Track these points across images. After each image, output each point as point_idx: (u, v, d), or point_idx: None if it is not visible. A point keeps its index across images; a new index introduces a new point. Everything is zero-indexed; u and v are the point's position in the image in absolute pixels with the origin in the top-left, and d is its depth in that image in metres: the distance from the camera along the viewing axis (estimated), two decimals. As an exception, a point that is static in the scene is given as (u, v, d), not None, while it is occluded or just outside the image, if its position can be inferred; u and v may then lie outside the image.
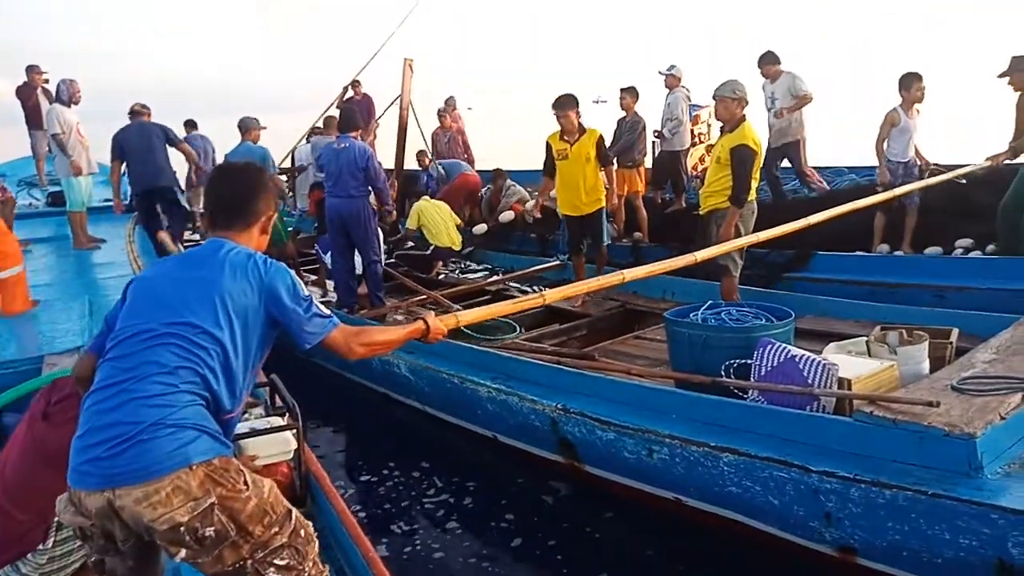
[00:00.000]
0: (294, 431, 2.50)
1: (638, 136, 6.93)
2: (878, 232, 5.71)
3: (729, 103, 4.45)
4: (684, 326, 3.58)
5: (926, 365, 3.20)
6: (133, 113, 6.72)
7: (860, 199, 4.88)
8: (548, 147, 5.46)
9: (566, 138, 5.31)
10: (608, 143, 6.06)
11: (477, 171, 9.02)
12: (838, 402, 2.88)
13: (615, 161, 6.36)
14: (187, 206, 7.61)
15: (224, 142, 7.94)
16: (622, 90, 6.98)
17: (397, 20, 9.06)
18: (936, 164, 5.78)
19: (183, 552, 1.55)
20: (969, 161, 5.82)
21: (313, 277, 6.99)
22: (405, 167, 8.90)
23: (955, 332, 3.49)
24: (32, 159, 9.84)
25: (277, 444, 2.46)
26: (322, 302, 1.94)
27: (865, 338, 3.44)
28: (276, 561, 1.61)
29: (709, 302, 3.79)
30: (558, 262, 6.48)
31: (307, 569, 1.66)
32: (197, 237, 8.19)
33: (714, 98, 4.60)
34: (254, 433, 2.45)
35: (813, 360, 2.97)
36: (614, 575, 3.03)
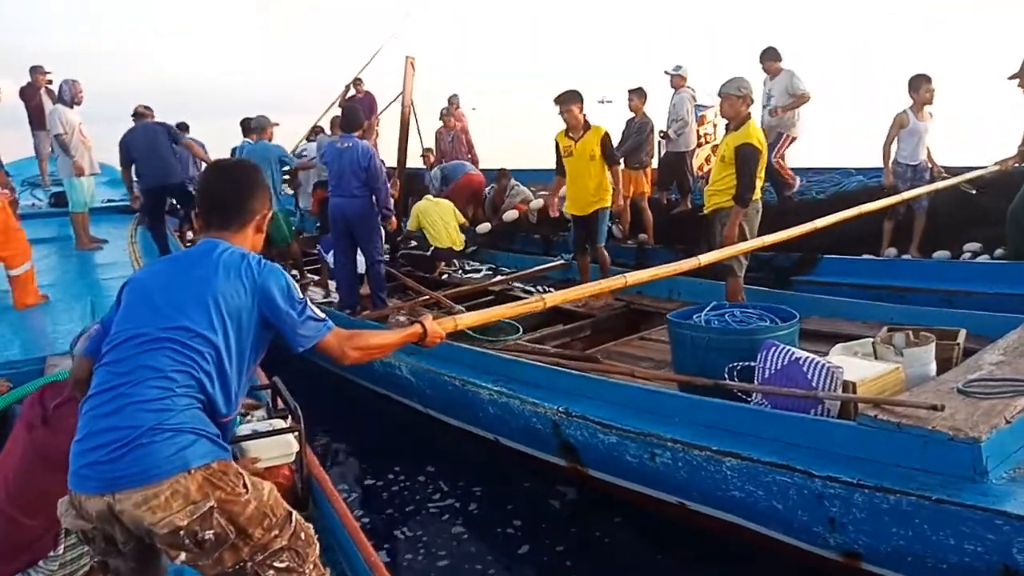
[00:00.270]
0: (296, 433, 2.49)
1: (646, 138, 6.91)
2: (887, 235, 5.69)
3: (734, 101, 4.41)
4: (687, 328, 3.56)
5: (933, 367, 3.18)
6: (137, 115, 6.78)
7: (868, 201, 4.87)
8: (556, 145, 5.44)
9: (571, 135, 5.29)
10: (616, 144, 6.04)
11: (481, 170, 9.03)
12: (843, 405, 2.86)
13: (623, 162, 6.34)
14: None
15: (225, 144, 7.95)
16: (630, 91, 6.94)
17: (396, 19, 9.06)
18: (945, 168, 5.74)
19: (183, 555, 1.55)
20: (969, 161, 5.80)
21: (316, 277, 7.00)
22: (409, 166, 8.91)
23: (963, 333, 3.47)
24: (35, 159, 9.89)
25: (279, 447, 2.45)
26: (324, 302, 1.92)
27: (871, 339, 3.42)
28: (276, 563, 1.61)
29: (713, 303, 3.77)
30: (562, 261, 6.48)
31: (307, 572, 1.66)
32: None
33: (719, 95, 4.56)
34: (256, 435, 2.44)
35: (817, 363, 2.94)
36: (617, 579, 3.02)
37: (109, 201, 9.12)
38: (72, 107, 6.79)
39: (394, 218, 6.12)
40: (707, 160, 7.73)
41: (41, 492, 1.84)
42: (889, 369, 3.01)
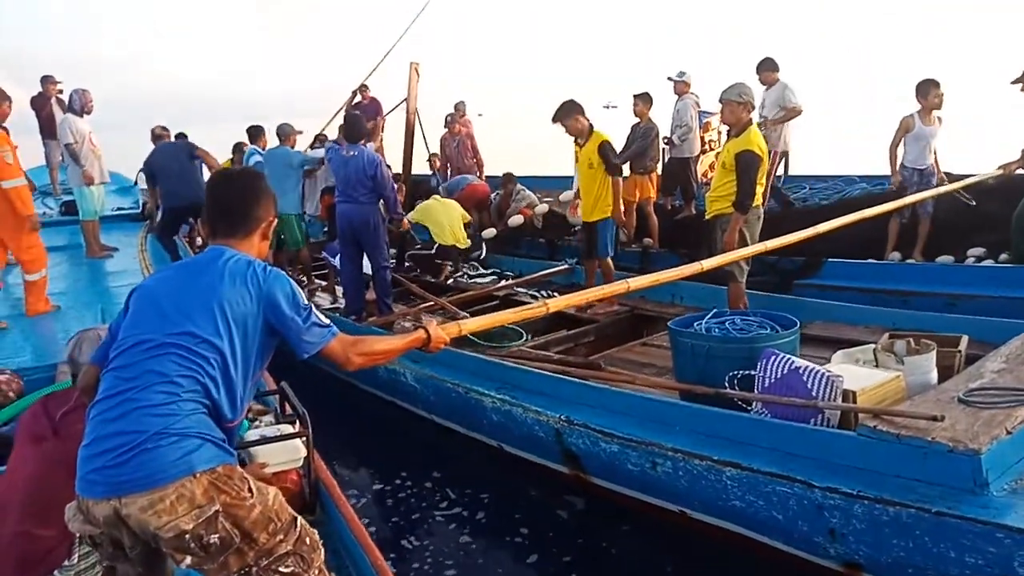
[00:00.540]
0: (304, 439, 2.52)
1: (650, 143, 6.90)
2: (891, 238, 5.67)
3: (735, 107, 4.40)
4: (687, 336, 3.56)
5: (934, 375, 3.17)
6: (156, 137, 6.96)
7: (871, 207, 4.86)
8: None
9: (579, 141, 5.34)
10: (620, 148, 6.02)
11: (486, 176, 9.06)
12: (843, 415, 2.85)
13: (628, 167, 6.32)
14: None
15: (225, 150, 8.01)
16: (635, 96, 6.92)
17: (397, 21, 9.08)
18: (946, 174, 5.73)
19: (188, 559, 1.57)
20: (970, 165, 5.76)
21: (323, 283, 7.05)
22: (415, 172, 8.96)
23: (964, 340, 3.46)
24: (46, 168, 10.00)
25: (287, 452, 2.49)
26: (331, 308, 1.96)
27: (873, 346, 3.40)
28: (281, 568, 1.63)
29: (714, 310, 3.78)
30: (566, 266, 6.50)
31: (312, 576, 1.67)
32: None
33: (720, 101, 4.55)
34: (264, 441, 2.48)
35: (817, 372, 2.94)
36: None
37: (119, 209, 9.22)
38: (82, 116, 6.88)
39: (406, 220, 6.19)
40: (711, 167, 7.74)
41: (59, 501, 1.86)
42: (890, 377, 3.00)
